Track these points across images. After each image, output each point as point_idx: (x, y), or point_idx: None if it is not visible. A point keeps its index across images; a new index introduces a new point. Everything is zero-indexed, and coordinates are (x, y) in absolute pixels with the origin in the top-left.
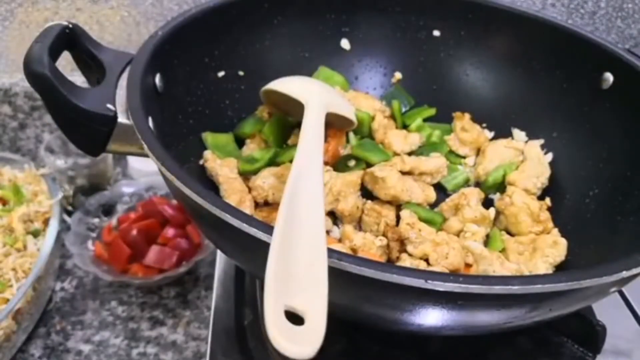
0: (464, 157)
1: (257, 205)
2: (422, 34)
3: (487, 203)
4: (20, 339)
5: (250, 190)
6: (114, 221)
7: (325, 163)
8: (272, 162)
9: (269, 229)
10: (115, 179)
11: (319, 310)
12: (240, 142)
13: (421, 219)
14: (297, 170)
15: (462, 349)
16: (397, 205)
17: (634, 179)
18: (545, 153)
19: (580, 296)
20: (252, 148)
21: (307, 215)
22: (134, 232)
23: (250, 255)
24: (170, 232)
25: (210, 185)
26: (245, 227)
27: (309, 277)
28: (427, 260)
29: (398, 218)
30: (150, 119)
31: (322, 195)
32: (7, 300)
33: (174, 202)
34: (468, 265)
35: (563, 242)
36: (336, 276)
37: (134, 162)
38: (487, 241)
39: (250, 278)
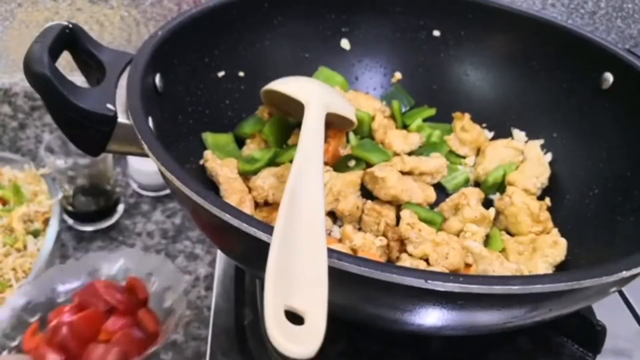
0: (464, 157)
1: (257, 205)
2: (422, 34)
3: (487, 203)
4: None
5: (250, 190)
6: (36, 320)
7: (325, 163)
8: (272, 162)
9: (269, 229)
10: (115, 179)
11: (319, 310)
12: (240, 142)
13: (421, 219)
14: (297, 170)
15: (462, 349)
16: (397, 205)
17: (634, 179)
18: (545, 153)
19: (580, 296)
20: (252, 148)
21: (307, 215)
22: (64, 330)
23: (250, 255)
24: (116, 323)
25: (210, 185)
26: (245, 227)
27: (309, 277)
28: (427, 260)
29: (398, 218)
30: (150, 119)
31: (322, 195)
32: None
33: (123, 283)
34: (468, 265)
35: (563, 242)
36: (336, 276)
37: (134, 162)
38: (487, 241)
39: (250, 278)
